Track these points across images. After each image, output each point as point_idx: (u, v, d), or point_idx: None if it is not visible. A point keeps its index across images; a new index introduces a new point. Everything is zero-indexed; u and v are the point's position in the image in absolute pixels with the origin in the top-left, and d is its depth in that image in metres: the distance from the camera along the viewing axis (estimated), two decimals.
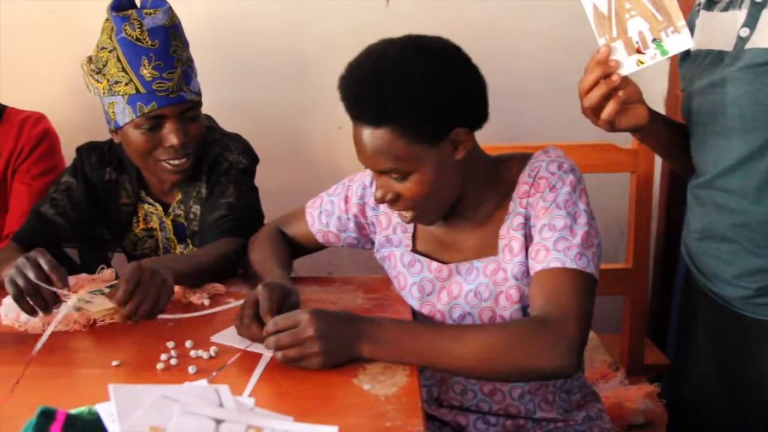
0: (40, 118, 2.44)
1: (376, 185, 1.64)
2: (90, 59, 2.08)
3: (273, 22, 2.72)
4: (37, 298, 1.67)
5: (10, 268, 1.74)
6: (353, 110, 1.58)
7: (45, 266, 1.68)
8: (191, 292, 1.87)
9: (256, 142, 2.23)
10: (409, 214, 1.66)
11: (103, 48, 2.04)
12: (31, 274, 1.67)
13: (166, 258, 1.99)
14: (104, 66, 2.03)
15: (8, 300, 1.78)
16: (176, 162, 2.04)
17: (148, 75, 1.99)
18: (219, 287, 1.90)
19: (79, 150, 2.22)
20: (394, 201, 1.63)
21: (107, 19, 2.05)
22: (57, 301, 1.69)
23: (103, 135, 2.27)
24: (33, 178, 2.36)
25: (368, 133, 1.56)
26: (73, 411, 1.15)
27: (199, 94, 2.09)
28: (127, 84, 2.00)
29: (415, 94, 1.53)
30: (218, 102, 2.33)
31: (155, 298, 1.66)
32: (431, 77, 1.54)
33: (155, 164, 2.06)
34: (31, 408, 1.31)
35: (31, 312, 1.69)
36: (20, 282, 1.67)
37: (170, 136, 2.02)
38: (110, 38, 2.02)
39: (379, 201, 1.64)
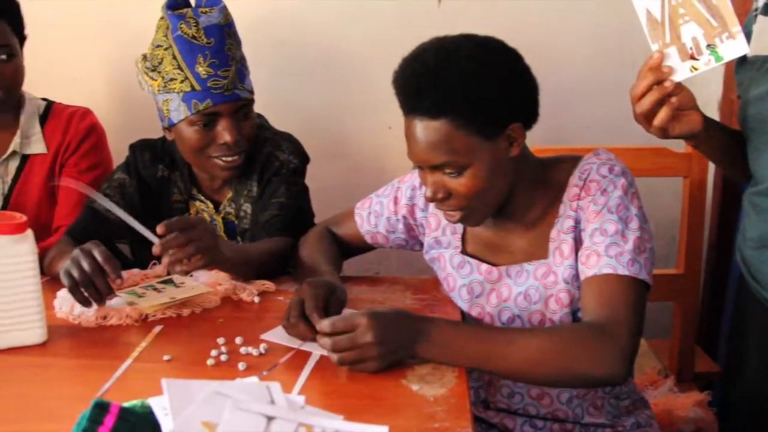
0: (86, 112, 2.47)
1: (428, 182, 1.62)
2: (144, 57, 2.10)
3: (323, 21, 2.73)
4: (91, 290, 1.71)
5: (65, 261, 1.79)
6: (410, 102, 1.58)
7: (99, 257, 1.71)
8: (242, 288, 1.88)
9: (306, 141, 2.24)
10: (457, 214, 1.65)
11: (158, 46, 2.06)
12: (85, 266, 1.70)
13: (227, 243, 2.01)
14: (159, 63, 2.06)
15: (62, 293, 1.82)
16: (229, 159, 2.06)
17: (204, 72, 2.01)
18: (268, 284, 1.91)
19: (132, 147, 2.25)
20: (445, 199, 1.62)
21: (162, 18, 2.07)
22: (111, 292, 1.72)
23: (144, 132, 2.30)
24: (81, 173, 2.39)
25: (424, 126, 1.56)
26: (126, 404, 1.16)
27: (252, 92, 2.10)
28: (182, 81, 2.02)
29: (475, 85, 1.53)
30: (269, 101, 2.34)
31: (201, 248, 1.69)
32: (491, 70, 1.55)
33: (208, 161, 2.08)
34: (85, 400, 1.33)
35: (85, 303, 1.72)
36: (75, 273, 1.70)
37: (224, 133, 2.03)
38: (165, 36, 2.05)
39: (430, 199, 1.63)
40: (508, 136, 1.58)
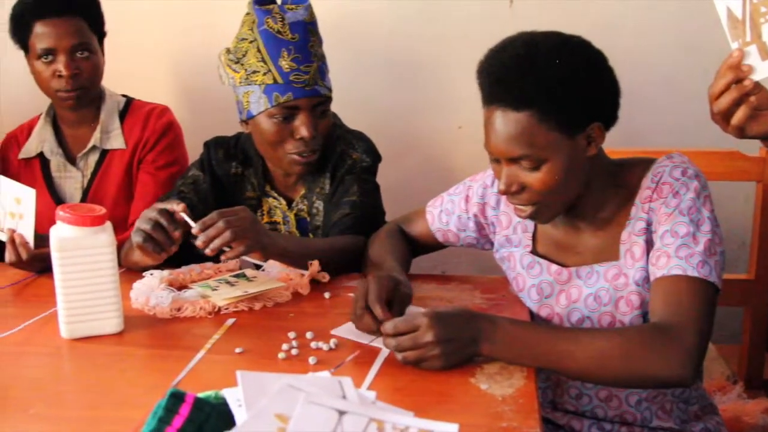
0: (164, 110, 2.53)
1: (502, 175, 1.62)
2: (228, 50, 2.14)
3: (396, 21, 2.75)
4: (159, 233, 1.78)
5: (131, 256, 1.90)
6: (495, 92, 1.57)
7: (160, 204, 1.80)
8: (298, 275, 1.92)
9: (377, 140, 2.26)
10: (527, 209, 1.64)
11: (243, 39, 2.10)
12: (150, 215, 1.79)
13: (277, 234, 2.04)
14: (243, 56, 2.09)
15: (138, 284, 1.87)
16: (304, 155, 2.08)
17: (287, 66, 2.04)
18: (324, 274, 1.93)
19: (207, 144, 2.29)
20: (518, 193, 1.62)
21: (248, 13, 2.11)
22: (177, 228, 1.80)
23: (218, 130, 2.34)
24: (158, 169, 2.45)
25: (507, 117, 1.56)
26: (201, 395, 1.19)
27: (330, 90, 2.13)
28: (265, 74, 2.05)
29: (562, 80, 1.53)
30: (342, 99, 2.36)
31: (238, 234, 1.74)
32: (578, 66, 1.55)
33: (283, 156, 2.11)
34: (160, 389, 1.37)
35: (158, 250, 1.80)
36: (143, 225, 1.78)
37: (302, 128, 2.06)
38: (251, 30, 2.09)
39: (503, 192, 1.63)
40: (588, 135, 1.58)
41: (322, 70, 2.11)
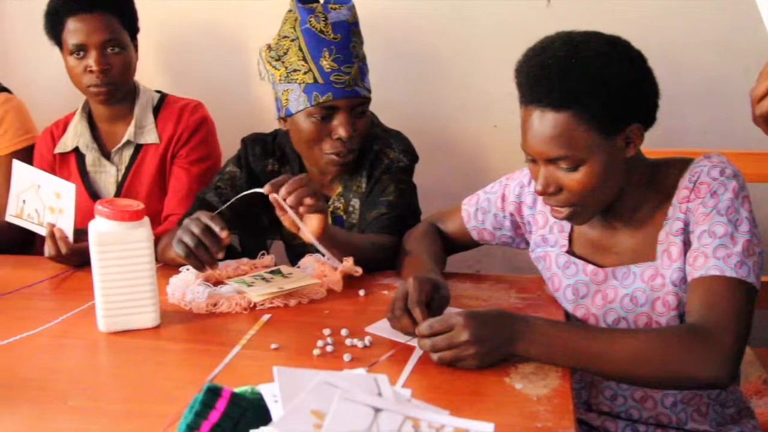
0: (197, 105, 2.54)
1: (539, 176, 1.61)
2: (269, 47, 2.15)
3: (432, 21, 2.74)
4: (201, 250, 1.77)
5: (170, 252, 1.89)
6: (534, 92, 1.57)
7: (204, 218, 1.78)
8: (332, 270, 1.91)
9: (413, 139, 2.26)
10: (565, 210, 1.63)
11: (285, 37, 2.11)
12: (194, 229, 1.77)
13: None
14: (284, 54, 2.10)
15: (175, 279, 1.88)
16: (340, 155, 2.09)
17: (328, 66, 2.04)
18: (358, 270, 1.93)
19: (244, 141, 2.30)
20: (555, 194, 1.61)
21: (290, 10, 2.12)
22: (220, 250, 1.79)
23: (254, 127, 2.35)
24: (191, 164, 2.46)
25: (546, 117, 1.55)
26: (237, 390, 1.19)
27: (370, 91, 2.13)
28: (305, 73, 2.06)
29: (604, 80, 1.53)
30: (378, 99, 2.36)
31: (311, 192, 1.75)
32: (620, 66, 1.54)
33: (320, 155, 2.11)
34: (196, 384, 1.39)
35: (200, 267, 1.79)
36: (186, 239, 1.77)
37: (340, 128, 2.06)
38: (293, 28, 2.09)
39: (540, 192, 1.62)
40: (627, 136, 1.57)
41: (363, 71, 2.11)
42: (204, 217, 1.80)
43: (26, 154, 2.54)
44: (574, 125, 1.53)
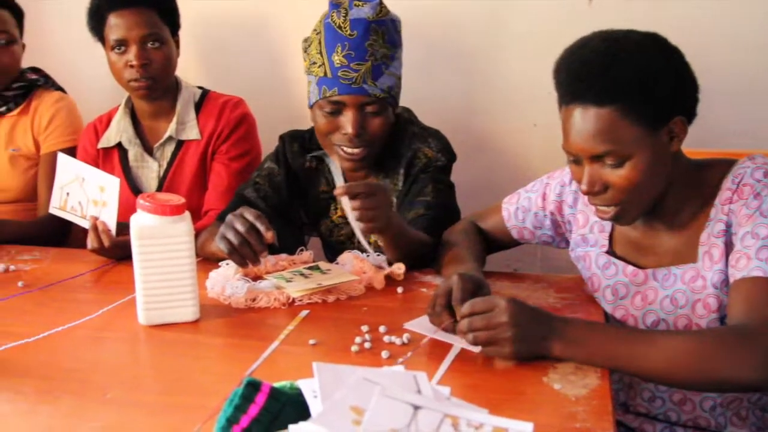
0: (239, 102, 2.56)
1: (585, 174, 1.60)
2: (305, 39, 2.17)
3: (472, 18, 2.74)
4: (246, 248, 1.78)
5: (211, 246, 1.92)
6: (575, 89, 1.56)
7: (250, 217, 1.79)
8: (377, 270, 1.92)
9: (452, 137, 2.25)
10: (611, 210, 1.62)
11: (314, 30, 2.13)
12: (239, 226, 1.79)
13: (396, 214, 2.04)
14: (309, 46, 2.13)
15: (214, 273, 1.89)
16: (350, 150, 2.10)
17: (338, 62, 2.05)
18: (401, 267, 1.93)
19: (282, 137, 2.31)
20: (601, 192, 1.60)
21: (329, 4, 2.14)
22: (264, 249, 1.81)
23: (291, 123, 2.36)
24: (231, 160, 2.48)
25: (589, 114, 1.54)
26: (276, 384, 1.20)
27: (385, 91, 2.09)
28: (320, 66, 2.08)
29: (645, 74, 1.52)
30: (416, 97, 2.37)
31: (378, 215, 1.79)
32: (660, 59, 1.54)
33: (332, 148, 2.13)
34: (234, 377, 1.40)
35: (243, 263, 1.81)
36: (230, 236, 1.78)
37: (347, 124, 2.07)
38: (321, 22, 2.11)
39: (586, 191, 1.61)
40: (670, 129, 1.56)
41: (378, 70, 2.08)
42: (249, 214, 1.81)
43: (70, 154, 2.57)
44: (618, 119, 1.52)
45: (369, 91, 2.07)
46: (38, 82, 2.73)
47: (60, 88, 2.78)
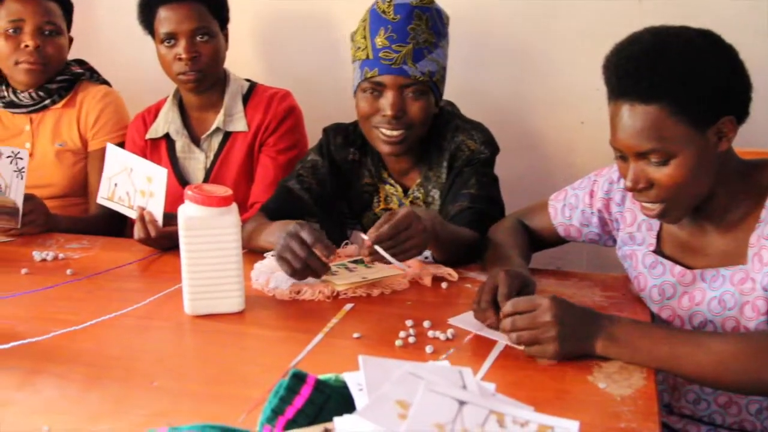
0: (286, 95, 2.57)
1: (630, 171, 1.58)
2: (354, 30, 2.19)
3: (521, 15, 2.73)
4: (306, 273, 1.79)
5: (262, 236, 1.94)
6: (623, 85, 1.55)
7: (309, 240, 1.77)
8: (427, 272, 1.91)
9: (497, 133, 2.24)
10: (656, 207, 1.60)
11: (361, 19, 2.15)
12: (298, 251, 1.77)
13: (433, 217, 1.98)
14: (355, 33, 2.15)
15: (259, 265, 1.91)
16: (388, 132, 2.09)
17: (380, 43, 2.06)
18: (453, 273, 1.92)
19: (326, 130, 2.32)
20: (646, 189, 1.58)
21: None
22: (327, 269, 1.81)
23: (338, 116, 2.36)
24: (278, 152, 2.49)
25: (636, 110, 1.53)
26: (322, 377, 1.20)
27: (425, 74, 2.08)
28: (363, 50, 2.10)
29: (694, 71, 1.50)
30: (462, 91, 2.36)
31: (416, 245, 1.77)
32: (711, 58, 1.52)
33: (372, 132, 2.13)
34: (278, 369, 1.41)
35: (297, 277, 1.81)
36: (290, 258, 1.78)
37: (386, 106, 2.07)
38: (367, 11, 2.13)
39: (630, 188, 1.59)
40: (719, 129, 1.54)
41: (419, 53, 2.08)
42: (307, 235, 1.78)
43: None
44: (664, 117, 1.51)
45: (409, 72, 2.07)
46: (83, 75, 2.74)
47: (105, 81, 2.80)
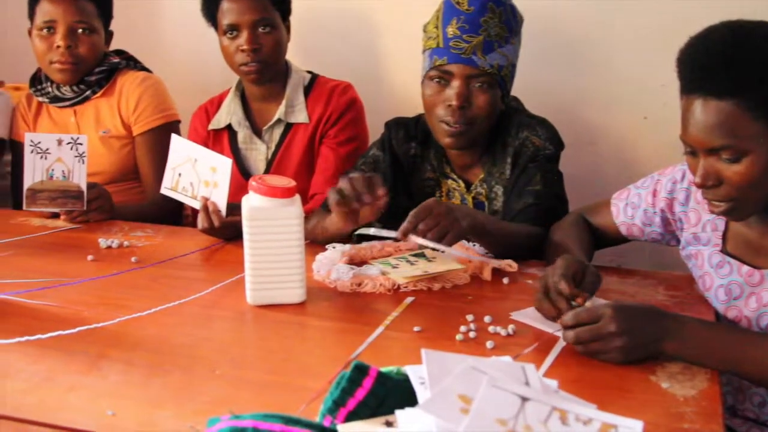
0: (347, 87, 2.58)
1: (699, 166, 1.55)
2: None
3: (584, 10, 2.71)
4: (355, 201, 1.82)
5: (327, 226, 1.96)
6: (697, 79, 1.52)
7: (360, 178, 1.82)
8: (485, 264, 1.91)
9: (561, 128, 2.23)
10: (723, 205, 1.57)
11: (436, 9, 2.15)
12: (353, 181, 1.82)
13: (475, 210, 2.02)
14: (428, 24, 2.15)
15: (321, 256, 1.92)
16: (451, 124, 2.09)
17: (451, 33, 2.07)
18: (513, 264, 1.92)
19: (388, 125, 2.32)
20: (714, 186, 1.55)
21: None
22: (376, 200, 1.83)
23: (398, 110, 2.36)
24: (339, 144, 2.50)
25: (708, 106, 1.49)
26: (384, 369, 1.20)
27: (494, 67, 2.08)
28: (434, 39, 2.10)
29: None
30: (526, 87, 2.34)
31: (442, 232, 1.76)
32: None
33: (435, 123, 2.13)
34: (339, 361, 1.41)
35: (346, 214, 1.85)
36: (344, 186, 1.82)
37: (451, 95, 2.07)
38: (442, 1, 2.14)
39: (699, 185, 1.56)
40: None
41: (489, 46, 2.07)
42: (360, 174, 1.84)
43: (163, 132, 2.62)
44: (738, 114, 1.47)
45: (477, 63, 2.06)
46: (120, 65, 2.76)
47: (145, 69, 2.83)
